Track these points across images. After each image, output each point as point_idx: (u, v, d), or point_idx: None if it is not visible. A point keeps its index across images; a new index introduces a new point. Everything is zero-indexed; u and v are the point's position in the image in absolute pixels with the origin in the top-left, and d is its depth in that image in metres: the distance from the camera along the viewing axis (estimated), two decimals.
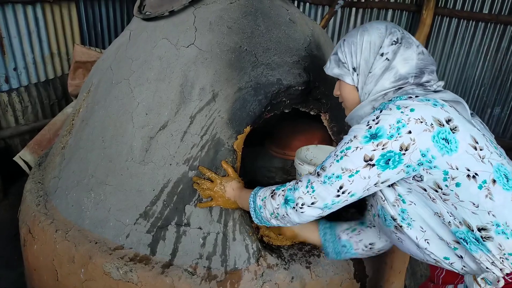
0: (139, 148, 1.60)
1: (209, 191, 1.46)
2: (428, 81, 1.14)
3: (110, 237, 1.59)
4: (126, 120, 1.66)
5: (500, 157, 1.05)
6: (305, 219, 1.17)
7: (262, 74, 1.64)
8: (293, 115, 2.37)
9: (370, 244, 1.44)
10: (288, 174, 2.29)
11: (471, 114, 1.13)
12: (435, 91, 1.12)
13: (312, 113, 1.82)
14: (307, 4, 4.45)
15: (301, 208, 1.13)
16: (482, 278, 1.05)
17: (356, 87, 1.22)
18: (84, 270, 1.56)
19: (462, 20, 3.80)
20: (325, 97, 1.78)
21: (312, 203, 1.12)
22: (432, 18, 3.82)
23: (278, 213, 1.21)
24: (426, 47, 4.02)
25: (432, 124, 1.00)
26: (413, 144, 1.00)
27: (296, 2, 4.50)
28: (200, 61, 1.61)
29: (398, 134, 1.00)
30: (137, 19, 1.91)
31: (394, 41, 1.15)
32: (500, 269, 1.04)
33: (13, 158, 2.94)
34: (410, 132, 1.00)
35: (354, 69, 1.20)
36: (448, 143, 1.00)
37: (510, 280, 1.03)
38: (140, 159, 1.59)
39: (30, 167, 2.93)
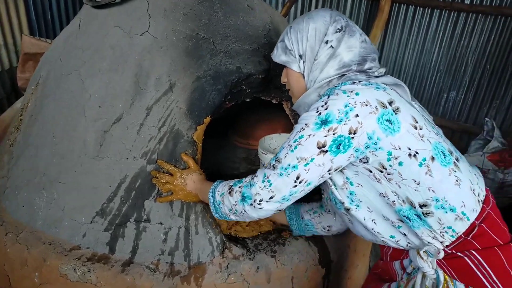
0: (92, 142, 1.51)
1: (169, 185, 1.41)
2: (370, 68, 1.18)
3: (65, 237, 1.51)
4: (78, 113, 1.57)
5: (437, 135, 1.11)
6: (263, 214, 1.17)
7: (221, 63, 1.59)
8: (255, 104, 2.35)
9: (328, 226, 1.52)
10: (252, 164, 2.27)
11: (411, 97, 1.19)
12: (377, 77, 1.15)
13: (274, 101, 1.80)
14: None
15: (259, 204, 1.13)
16: (424, 251, 1.13)
17: (303, 75, 1.23)
18: (39, 274, 1.47)
19: (418, 7, 3.88)
20: None
21: (270, 198, 1.11)
22: (390, 5, 3.87)
23: (236, 210, 1.20)
24: (385, 34, 4.09)
25: (376, 106, 1.04)
26: (361, 127, 1.03)
27: None
28: (155, 50, 1.54)
29: (347, 118, 1.02)
30: (87, 6, 1.80)
31: (338, 29, 1.17)
32: (441, 242, 1.11)
33: None
34: (357, 115, 1.03)
35: (300, 56, 1.21)
36: (391, 124, 1.04)
37: (449, 251, 1.12)
38: (95, 154, 1.51)
39: None
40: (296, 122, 1.81)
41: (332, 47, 1.16)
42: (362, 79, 1.12)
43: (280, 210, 1.17)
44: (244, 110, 2.52)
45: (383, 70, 1.20)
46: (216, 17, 1.66)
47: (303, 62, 1.21)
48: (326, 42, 1.17)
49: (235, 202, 1.18)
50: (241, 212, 1.18)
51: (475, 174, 1.18)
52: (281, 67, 1.63)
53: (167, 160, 1.45)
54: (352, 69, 1.16)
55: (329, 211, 1.53)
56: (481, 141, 3.53)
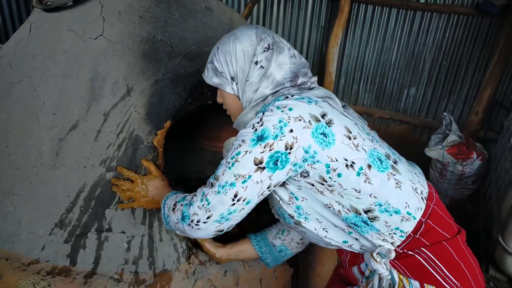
0: (48, 151, 1.46)
1: (130, 192, 1.37)
2: (302, 83, 1.19)
3: (22, 251, 1.45)
4: (32, 121, 1.50)
5: (372, 142, 1.13)
6: (203, 234, 1.13)
7: (180, 65, 1.57)
8: (219, 106, 2.33)
9: (300, 239, 1.48)
10: None
11: (344, 106, 1.22)
12: (310, 89, 1.17)
13: None
14: None
15: (196, 225, 1.09)
16: (377, 253, 1.15)
17: (237, 96, 1.22)
18: None
19: (377, 6, 3.99)
20: None
21: (208, 217, 1.08)
22: (350, 5, 3.96)
23: (178, 227, 1.16)
24: (346, 33, 4.18)
25: (310, 120, 1.04)
26: (296, 142, 1.03)
27: None
28: (110, 54, 1.50)
29: (282, 133, 1.02)
30: (38, 10, 1.73)
31: (266, 47, 1.16)
32: (391, 243, 1.14)
33: None
34: (292, 130, 1.03)
35: (232, 78, 1.20)
36: (326, 137, 1.05)
37: (401, 251, 1.14)
38: (51, 164, 1.45)
39: None
40: None
41: (263, 67, 1.16)
42: (294, 93, 1.13)
43: (221, 231, 1.13)
44: (209, 113, 2.50)
45: (315, 79, 1.22)
46: (173, 19, 1.64)
47: (236, 83, 1.20)
48: (256, 62, 1.16)
49: (177, 220, 1.15)
50: (182, 231, 1.15)
51: (415, 173, 1.20)
52: None
53: (127, 167, 1.42)
54: (285, 86, 1.16)
55: None
56: (441, 135, 3.67)
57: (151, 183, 1.38)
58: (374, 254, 1.14)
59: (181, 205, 1.14)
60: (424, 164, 3.45)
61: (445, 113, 3.72)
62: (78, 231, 1.41)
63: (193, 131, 2.50)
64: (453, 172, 3.51)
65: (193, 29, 1.66)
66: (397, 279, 1.13)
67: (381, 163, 1.10)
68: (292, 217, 1.19)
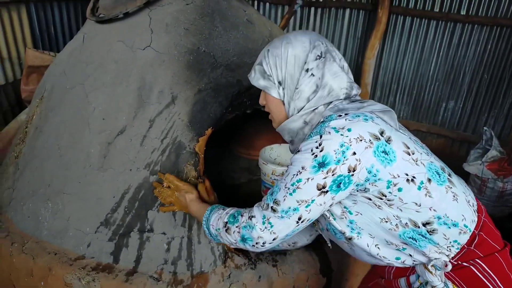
0: (97, 154, 1.55)
1: (170, 198, 1.43)
2: (356, 94, 1.17)
3: (70, 247, 1.54)
4: (83, 126, 1.60)
5: (428, 155, 1.12)
6: (265, 250, 1.16)
7: (221, 76, 1.63)
8: (256, 115, 2.38)
9: (293, 242, 1.50)
10: (253, 174, 2.30)
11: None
12: (362, 102, 1.13)
13: None
14: (267, 4, 4.47)
15: (262, 246, 1.12)
16: (432, 265, 1.13)
17: (282, 101, 1.19)
18: (44, 283, 1.50)
19: (415, 18, 3.94)
20: None
21: (274, 239, 1.11)
22: (387, 16, 3.94)
23: (236, 246, 1.19)
24: (383, 45, 4.15)
25: (370, 140, 1.02)
26: (359, 164, 1.01)
27: (256, 2, 4.52)
28: (157, 64, 1.59)
29: (344, 157, 1.00)
30: (90, 21, 1.85)
31: (318, 55, 1.13)
32: (447, 255, 1.13)
33: None
34: (354, 153, 1.00)
35: (279, 82, 1.16)
36: (387, 155, 1.03)
37: (455, 262, 1.14)
38: (99, 166, 1.54)
39: None
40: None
41: (313, 75, 1.13)
42: (348, 107, 1.10)
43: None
44: (245, 122, 2.56)
45: (359, 91, 1.19)
46: (216, 31, 1.71)
47: (283, 89, 1.16)
48: (307, 70, 1.12)
49: (235, 241, 1.16)
50: (237, 245, 1.18)
51: (465, 186, 1.20)
52: None
53: (170, 171, 1.48)
54: (340, 97, 1.13)
55: None
56: (480, 150, 3.56)
57: (183, 194, 1.41)
58: (429, 266, 1.13)
59: (237, 227, 1.15)
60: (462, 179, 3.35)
61: (485, 128, 3.60)
62: (122, 230, 1.49)
63: (229, 139, 2.57)
64: (493, 188, 3.38)
65: (235, 41, 1.73)
66: None
67: (439, 176, 1.09)
68: (343, 233, 1.17)
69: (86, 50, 1.77)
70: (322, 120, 1.11)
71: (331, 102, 1.13)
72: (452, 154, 4.18)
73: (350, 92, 1.15)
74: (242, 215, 1.16)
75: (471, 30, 3.76)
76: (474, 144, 3.79)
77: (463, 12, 3.74)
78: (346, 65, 1.18)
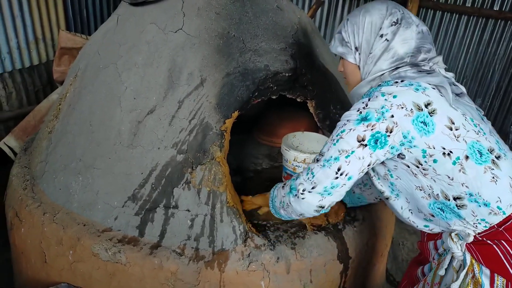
0: (127, 132, 1.61)
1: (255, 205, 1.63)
2: (423, 60, 1.19)
3: (98, 219, 1.61)
4: (114, 104, 1.66)
5: (478, 134, 1.13)
6: (305, 207, 1.24)
7: (249, 60, 1.66)
8: (279, 103, 2.41)
9: (378, 196, 1.59)
10: (275, 161, 2.33)
11: (461, 93, 1.20)
12: (428, 72, 1.17)
13: (298, 100, 1.86)
14: None
15: (302, 194, 1.21)
16: (456, 234, 1.18)
17: (358, 66, 1.27)
18: (73, 252, 1.57)
19: (446, 12, 3.87)
20: (311, 84, 1.81)
21: (313, 188, 1.19)
22: (417, 10, 3.88)
23: (283, 202, 1.30)
24: None
25: (412, 109, 1.09)
26: (396, 127, 1.09)
27: None
28: (188, 46, 1.63)
29: (384, 117, 1.09)
30: (124, 4, 1.91)
31: (394, 21, 1.19)
32: (473, 230, 1.16)
33: None
34: (392, 116, 1.09)
35: (356, 48, 1.25)
36: (426, 126, 1.09)
37: (480, 238, 1.16)
38: (128, 143, 1.60)
39: (15, 153, 2.90)
40: (320, 121, 1.88)
41: (387, 40, 1.19)
42: (410, 76, 1.15)
43: (322, 207, 1.23)
44: (268, 110, 2.59)
45: (439, 59, 1.22)
46: (246, 17, 1.73)
47: (359, 54, 1.25)
48: (381, 35, 1.19)
49: (284, 194, 1.29)
50: (287, 204, 1.28)
51: None
52: (306, 67, 1.69)
53: (196, 151, 1.53)
54: (405, 61, 1.18)
55: None
56: None
57: (254, 199, 1.61)
58: (453, 234, 1.18)
59: (290, 181, 1.29)
60: None
61: None
62: (148, 206, 1.55)
63: (252, 127, 2.60)
64: None
65: (264, 27, 1.75)
66: (468, 262, 1.16)
67: (481, 156, 1.10)
68: (383, 192, 1.28)
69: (119, 31, 1.82)
70: (379, 83, 1.18)
71: (397, 68, 1.19)
72: None
73: (416, 55, 1.18)
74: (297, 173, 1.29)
75: (504, 26, 3.68)
76: None
77: (496, 8, 3.65)
78: (425, 28, 1.22)
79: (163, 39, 1.67)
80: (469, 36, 3.86)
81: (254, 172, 2.20)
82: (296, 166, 1.84)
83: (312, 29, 2.03)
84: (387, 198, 1.28)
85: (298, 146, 2.07)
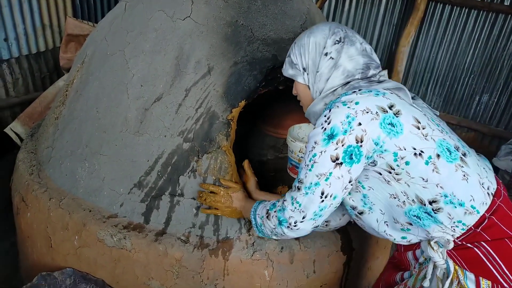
0: (133, 119, 1.61)
1: (215, 203, 1.49)
2: (372, 75, 1.22)
3: (104, 205, 1.62)
4: (121, 91, 1.66)
5: (442, 132, 1.14)
6: (302, 233, 1.24)
7: (257, 50, 1.65)
8: (285, 94, 2.40)
9: (326, 222, 1.53)
10: (280, 152, 2.33)
11: (414, 97, 1.23)
12: (379, 81, 1.19)
13: None
14: None
15: (295, 225, 1.20)
16: (435, 242, 1.16)
17: (308, 86, 1.30)
18: (78, 237, 1.59)
19: (455, 6, 3.82)
20: None
21: (303, 218, 1.18)
22: (426, 4, 3.84)
23: (276, 232, 1.28)
24: (419, 33, 4.05)
25: (377, 112, 1.09)
26: (365, 134, 1.08)
27: None
28: (196, 34, 1.62)
29: (351, 128, 1.08)
30: None
31: (337, 40, 1.22)
32: (451, 235, 1.15)
33: (4, 130, 2.93)
34: (360, 123, 1.08)
35: (304, 69, 1.29)
36: (394, 127, 1.08)
37: (459, 242, 1.15)
38: (135, 130, 1.60)
39: (21, 139, 2.92)
40: None
41: (332, 58, 1.22)
42: (363, 86, 1.17)
43: (317, 227, 1.24)
44: (274, 101, 2.57)
45: (384, 72, 1.25)
46: (255, 6, 1.72)
47: (307, 74, 1.28)
48: (326, 54, 1.22)
49: (274, 225, 1.27)
50: (281, 234, 1.27)
51: (484, 168, 1.19)
52: None
53: (203, 139, 1.53)
54: (357, 78, 1.21)
55: None
56: None
57: (235, 195, 1.49)
58: (432, 243, 1.16)
59: (274, 211, 1.26)
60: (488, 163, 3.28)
61: None
62: (154, 193, 1.56)
63: (257, 118, 2.60)
64: None
65: (273, 16, 1.74)
66: (452, 269, 1.14)
67: (450, 153, 1.11)
68: (355, 208, 1.25)
69: (127, 18, 1.81)
70: (332, 99, 1.19)
71: (348, 82, 1.21)
72: (482, 149, 4.08)
73: (366, 71, 1.21)
74: (279, 201, 1.26)
75: None
76: (505, 139, 3.70)
77: (507, 3, 3.60)
78: (368, 47, 1.26)
79: (171, 27, 1.66)
80: (478, 31, 3.81)
81: (259, 163, 2.21)
82: (301, 157, 1.84)
83: (320, 20, 2.01)
84: (361, 213, 1.24)
85: (303, 138, 2.07)
